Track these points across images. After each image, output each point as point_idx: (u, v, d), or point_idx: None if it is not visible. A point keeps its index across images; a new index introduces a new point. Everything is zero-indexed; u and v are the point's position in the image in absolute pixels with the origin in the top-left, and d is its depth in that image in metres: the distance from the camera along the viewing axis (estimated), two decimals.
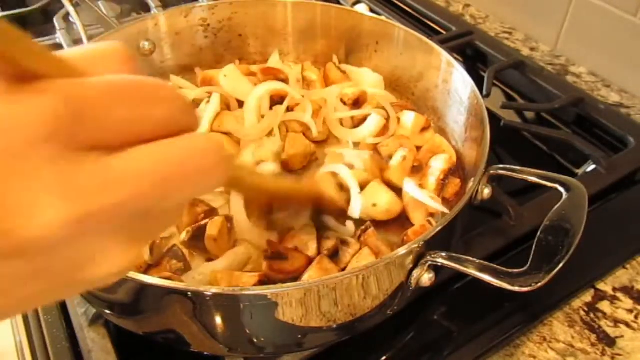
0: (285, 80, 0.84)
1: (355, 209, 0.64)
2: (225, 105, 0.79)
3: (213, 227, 0.59)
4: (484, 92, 0.86)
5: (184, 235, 0.59)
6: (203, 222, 0.60)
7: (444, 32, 1.07)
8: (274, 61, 0.89)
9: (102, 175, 0.23)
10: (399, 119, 0.78)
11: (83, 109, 0.23)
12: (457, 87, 0.73)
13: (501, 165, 0.60)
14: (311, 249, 0.59)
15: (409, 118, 0.76)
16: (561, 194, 0.56)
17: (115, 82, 0.24)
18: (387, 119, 0.78)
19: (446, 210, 0.64)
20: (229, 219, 0.61)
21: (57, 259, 0.24)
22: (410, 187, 0.65)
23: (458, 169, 0.72)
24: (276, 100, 0.80)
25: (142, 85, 0.25)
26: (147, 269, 0.57)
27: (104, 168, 0.23)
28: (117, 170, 0.24)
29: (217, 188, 0.28)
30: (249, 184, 0.51)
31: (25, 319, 0.61)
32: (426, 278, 0.51)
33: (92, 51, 0.26)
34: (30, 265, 0.23)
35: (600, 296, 0.65)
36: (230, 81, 0.80)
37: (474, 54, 1.03)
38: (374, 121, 0.76)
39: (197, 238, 0.59)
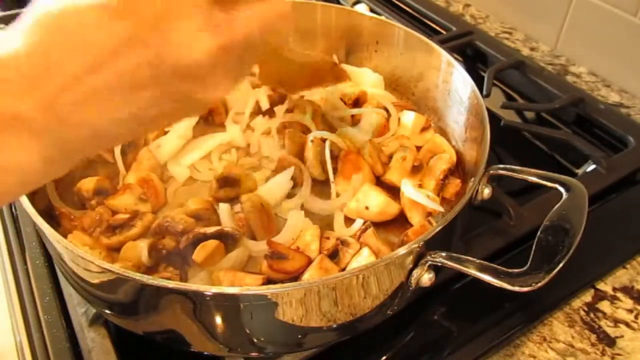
0: None
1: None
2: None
3: (201, 252, 0.57)
4: (484, 92, 0.86)
5: (182, 241, 0.59)
6: (201, 232, 0.59)
7: (444, 32, 1.07)
8: None
9: (230, 19, 0.37)
10: (399, 118, 0.78)
11: None
12: (457, 87, 0.73)
13: (501, 165, 0.60)
14: (313, 249, 0.59)
15: (409, 118, 0.76)
16: (561, 194, 0.56)
17: None
18: (388, 118, 0.78)
19: (443, 210, 0.64)
20: (223, 241, 0.59)
21: (197, 82, 0.36)
22: (407, 187, 0.65)
23: (458, 169, 0.72)
24: (276, 100, 0.80)
25: None
26: (144, 272, 0.57)
27: (231, 15, 0.37)
28: (238, 17, 0.37)
29: (286, 40, 0.54)
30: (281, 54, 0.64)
31: (25, 319, 0.61)
32: (426, 278, 0.51)
33: None
34: (181, 84, 0.36)
35: (600, 296, 0.65)
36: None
37: (474, 54, 1.03)
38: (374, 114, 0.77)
39: (194, 245, 0.58)
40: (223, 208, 0.63)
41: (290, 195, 0.68)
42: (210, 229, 0.59)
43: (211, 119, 0.79)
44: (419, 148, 0.75)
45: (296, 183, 0.69)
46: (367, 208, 0.65)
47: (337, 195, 0.68)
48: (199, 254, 0.57)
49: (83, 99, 0.33)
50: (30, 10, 0.34)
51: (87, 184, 0.64)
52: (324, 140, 0.71)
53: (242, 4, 0.38)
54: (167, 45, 0.33)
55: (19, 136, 0.33)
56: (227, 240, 0.59)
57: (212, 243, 0.58)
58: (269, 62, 0.64)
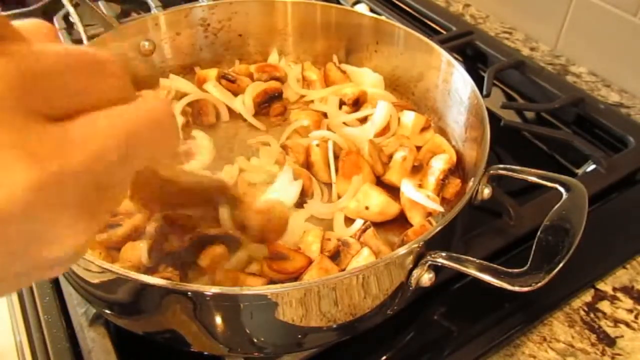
0: (281, 78, 0.85)
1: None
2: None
3: (206, 257, 0.57)
4: (484, 92, 0.86)
5: (185, 240, 0.58)
6: (204, 233, 0.58)
7: (444, 32, 1.07)
8: (272, 60, 0.89)
9: (61, 137, 0.23)
10: (399, 118, 0.78)
11: (36, 75, 0.23)
12: (457, 87, 0.73)
13: (501, 165, 0.60)
14: (314, 250, 0.59)
15: (409, 118, 0.77)
16: (561, 194, 0.56)
17: (68, 51, 0.24)
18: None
19: (443, 210, 0.65)
20: (228, 248, 0.58)
21: (14, 233, 0.23)
22: (407, 188, 0.65)
23: (458, 169, 0.72)
24: (270, 94, 0.80)
25: (93, 57, 0.25)
26: (144, 272, 0.57)
27: (62, 131, 0.23)
28: (76, 132, 0.23)
29: (174, 149, 0.29)
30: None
31: (25, 319, 0.61)
32: (426, 278, 0.51)
33: (20, 26, 0.25)
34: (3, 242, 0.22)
35: (600, 296, 0.65)
36: (218, 91, 0.82)
37: (474, 54, 1.03)
38: (383, 108, 0.77)
39: (197, 246, 0.58)
40: (223, 211, 0.62)
41: (298, 205, 0.68)
42: (214, 231, 0.58)
43: (199, 120, 0.79)
44: (419, 148, 0.75)
45: (304, 193, 0.68)
46: (367, 208, 0.65)
47: (339, 196, 0.68)
48: (204, 259, 0.56)
49: None
50: None
51: None
52: (325, 140, 0.71)
53: (87, 114, 0.24)
54: None
55: None
56: (230, 243, 0.58)
57: (218, 248, 0.57)
58: (139, 181, 0.49)
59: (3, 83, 0.22)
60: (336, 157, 0.71)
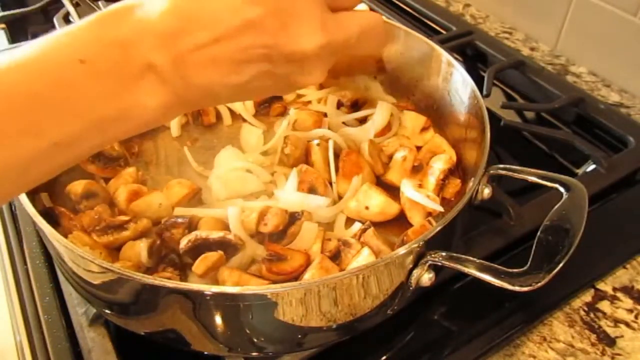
0: None
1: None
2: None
3: (202, 265, 0.55)
4: (484, 92, 0.86)
5: (183, 244, 0.57)
6: (204, 236, 0.57)
7: (444, 32, 1.07)
8: None
9: (338, 22, 0.44)
10: (400, 118, 0.77)
11: None
12: (457, 87, 0.73)
13: (501, 165, 0.60)
14: (315, 250, 0.59)
15: (409, 118, 0.76)
16: (561, 194, 0.56)
17: None
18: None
19: (443, 210, 0.64)
20: (226, 254, 0.57)
21: (297, 68, 0.43)
22: (407, 188, 0.65)
23: (458, 169, 0.72)
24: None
25: None
26: (144, 272, 0.57)
27: (338, 19, 0.44)
28: (342, 21, 0.45)
29: (381, 48, 0.69)
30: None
31: (25, 319, 0.61)
32: (426, 278, 0.51)
33: None
34: (286, 67, 0.43)
35: (600, 296, 0.65)
36: None
37: (474, 53, 1.03)
38: (384, 108, 0.77)
39: (196, 250, 0.57)
40: (232, 212, 0.61)
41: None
42: (213, 235, 0.57)
43: (200, 120, 0.79)
44: (419, 148, 0.75)
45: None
46: (367, 208, 0.65)
47: (339, 196, 0.68)
48: (199, 267, 0.55)
49: (206, 63, 0.39)
50: None
51: (76, 187, 0.63)
52: (326, 140, 0.71)
53: (346, 12, 0.45)
54: (285, 36, 0.40)
55: (150, 81, 0.39)
56: (228, 249, 0.58)
57: (214, 255, 0.56)
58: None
59: None
60: (336, 157, 0.70)
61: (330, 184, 0.69)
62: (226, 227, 0.61)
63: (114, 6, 0.40)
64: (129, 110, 0.40)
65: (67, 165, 0.41)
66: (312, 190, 0.67)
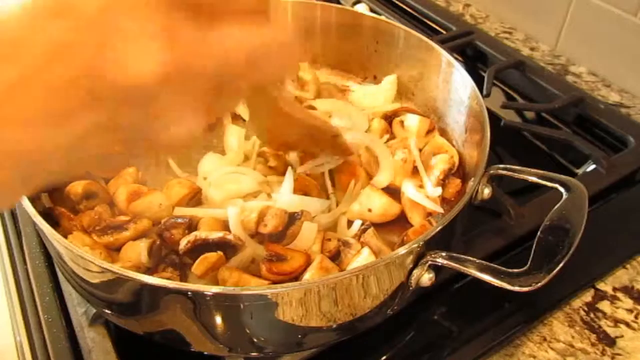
0: None
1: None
2: None
3: (201, 266, 0.55)
4: (484, 92, 0.86)
5: (183, 244, 0.58)
6: (203, 236, 0.57)
7: (444, 32, 1.07)
8: None
9: (196, 36, 0.27)
10: (402, 122, 0.77)
11: None
12: (457, 87, 0.73)
13: (501, 165, 0.60)
14: (315, 251, 0.59)
15: (413, 122, 0.76)
16: (561, 194, 0.56)
17: None
18: (390, 123, 0.78)
19: (443, 211, 0.64)
20: (225, 254, 0.57)
21: (140, 111, 0.27)
22: (407, 188, 0.65)
23: (458, 169, 0.72)
24: None
25: None
26: (144, 272, 0.57)
27: (201, 35, 0.27)
28: (211, 39, 0.27)
29: (282, 79, 0.37)
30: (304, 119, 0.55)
31: (26, 319, 0.61)
32: (426, 278, 0.51)
33: None
34: (128, 111, 0.26)
35: (600, 296, 0.65)
36: None
37: (474, 53, 1.03)
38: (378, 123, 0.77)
39: (196, 251, 0.57)
40: (232, 212, 0.61)
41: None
42: (212, 235, 0.57)
43: None
44: (420, 149, 0.74)
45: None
46: (369, 210, 0.65)
47: (338, 204, 0.68)
48: (198, 268, 0.55)
49: (9, 117, 0.25)
50: None
51: (76, 188, 0.63)
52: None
53: (227, 23, 0.28)
54: (107, 53, 0.25)
55: None
56: (228, 249, 0.58)
57: (213, 256, 0.56)
58: (276, 124, 0.55)
59: None
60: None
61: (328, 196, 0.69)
62: (226, 227, 0.61)
63: None
64: None
65: None
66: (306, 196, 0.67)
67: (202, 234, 0.57)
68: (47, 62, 0.24)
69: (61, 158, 0.27)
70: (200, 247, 0.57)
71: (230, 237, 0.57)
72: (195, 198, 0.67)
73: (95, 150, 0.28)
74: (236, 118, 0.79)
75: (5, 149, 0.25)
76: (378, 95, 0.84)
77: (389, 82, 0.84)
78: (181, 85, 0.27)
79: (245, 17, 0.29)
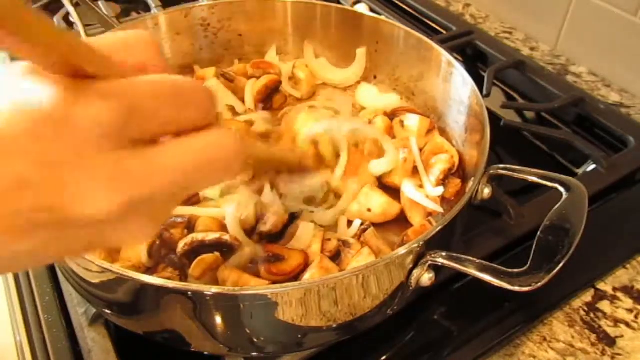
0: (276, 75, 0.85)
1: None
2: None
3: (198, 268, 0.56)
4: (484, 92, 0.86)
5: (180, 247, 0.58)
6: (200, 238, 0.58)
7: (444, 32, 1.07)
8: (269, 58, 0.89)
9: (144, 167, 0.28)
10: (402, 122, 0.77)
11: (134, 111, 0.27)
12: (457, 87, 0.73)
13: (501, 165, 0.60)
14: (315, 251, 0.59)
15: (413, 121, 0.76)
16: (561, 194, 0.56)
17: (160, 83, 0.29)
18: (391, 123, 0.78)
19: (443, 211, 0.64)
20: (222, 255, 0.57)
21: (104, 231, 0.29)
22: (407, 188, 0.65)
23: (458, 169, 0.72)
24: (271, 87, 0.82)
25: (183, 87, 0.30)
26: (144, 272, 0.57)
27: (146, 162, 0.28)
28: (156, 163, 0.28)
29: (236, 176, 0.34)
30: (262, 157, 0.54)
31: (25, 319, 0.61)
32: (426, 278, 0.51)
33: (121, 39, 0.31)
34: (86, 231, 0.28)
35: (600, 296, 0.65)
36: (219, 88, 0.82)
37: (474, 53, 1.03)
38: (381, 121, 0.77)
39: (193, 253, 0.57)
40: (229, 211, 0.61)
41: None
42: (209, 237, 0.57)
43: None
44: (421, 149, 0.74)
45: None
46: (369, 210, 0.65)
47: (335, 193, 0.68)
48: (195, 269, 0.55)
49: None
50: None
51: None
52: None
53: (167, 142, 0.29)
54: (67, 196, 0.26)
55: None
56: (225, 250, 0.58)
57: (210, 257, 0.56)
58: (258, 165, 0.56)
59: (105, 122, 0.26)
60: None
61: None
62: (224, 226, 0.61)
63: None
64: None
65: None
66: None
67: (198, 235, 0.58)
68: (9, 193, 0.26)
69: (26, 257, 0.28)
70: (198, 249, 0.57)
71: (226, 237, 0.57)
72: (194, 199, 0.67)
73: (55, 252, 0.29)
74: None
75: None
76: (347, 72, 0.86)
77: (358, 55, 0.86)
78: (134, 210, 0.28)
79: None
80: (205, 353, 0.54)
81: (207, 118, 0.31)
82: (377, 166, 0.68)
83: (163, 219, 0.32)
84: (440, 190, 0.66)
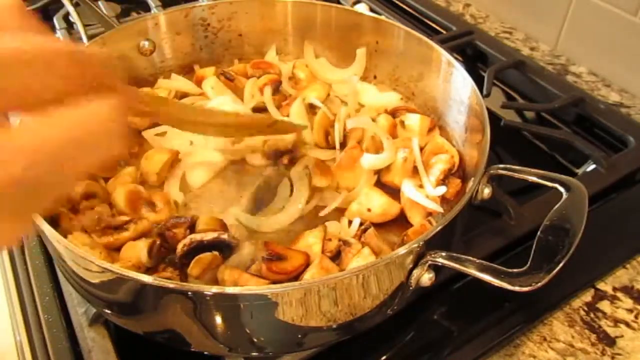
0: (275, 75, 0.85)
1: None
2: None
3: (196, 267, 0.56)
4: (484, 92, 0.86)
5: (180, 248, 0.58)
6: (198, 238, 0.58)
7: (444, 32, 1.07)
8: (269, 58, 0.89)
9: (11, 146, 0.23)
10: (402, 122, 0.77)
11: None
12: (457, 87, 0.73)
13: (501, 165, 0.60)
14: (315, 251, 0.59)
15: (414, 121, 0.76)
16: (561, 194, 0.56)
17: (25, 46, 0.24)
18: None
19: (442, 211, 0.64)
20: (221, 253, 0.58)
21: None
22: (407, 188, 0.65)
23: (458, 169, 0.72)
24: (273, 87, 0.82)
25: (51, 51, 0.25)
26: (144, 272, 0.57)
27: (6, 139, 0.23)
28: (7, 146, 0.23)
29: (115, 152, 0.27)
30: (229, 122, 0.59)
31: (26, 318, 0.61)
32: (426, 278, 0.51)
33: None
34: None
35: (600, 296, 0.65)
36: (216, 92, 0.82)
37: (474, 53, 1.03)
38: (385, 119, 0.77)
39: (193, 253, 0.57)
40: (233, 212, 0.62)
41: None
42: (208, 236, 0.58)
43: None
44: (422, 149, 0.74)
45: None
46: (369, 210, 0.65)
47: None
48: (193, 269, 0.55)
49: None
50: None
51: (76, 187, 0.63)
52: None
53: (22, 121, 0.24)
54: None
55: None
56: (224, 249, 0.58)
57: (208, 257, 0.56)
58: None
59: None
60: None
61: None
62: (224, 226, 0.61)
63: None
64: None
65: None
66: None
67: (197, 236, 0.58)
68: None
69: None
70: (197, 249, 0.57)
71: (224, 236, 0.58)
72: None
73: None
74: None
75: None
76: (347, 72, 0.87)
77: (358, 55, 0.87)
78: None
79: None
80: (205, 353, 0.54)
81: (83, 86, 0.26)
82: (371, 160, 0.69)
83: (34, 211, 0.26)
84: (442, 190, 0.66)
